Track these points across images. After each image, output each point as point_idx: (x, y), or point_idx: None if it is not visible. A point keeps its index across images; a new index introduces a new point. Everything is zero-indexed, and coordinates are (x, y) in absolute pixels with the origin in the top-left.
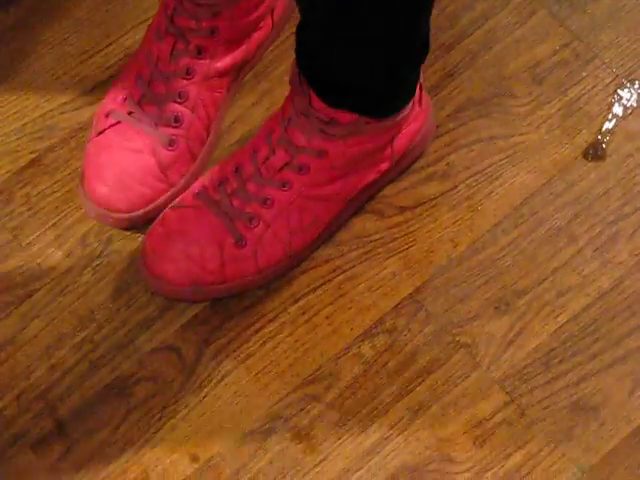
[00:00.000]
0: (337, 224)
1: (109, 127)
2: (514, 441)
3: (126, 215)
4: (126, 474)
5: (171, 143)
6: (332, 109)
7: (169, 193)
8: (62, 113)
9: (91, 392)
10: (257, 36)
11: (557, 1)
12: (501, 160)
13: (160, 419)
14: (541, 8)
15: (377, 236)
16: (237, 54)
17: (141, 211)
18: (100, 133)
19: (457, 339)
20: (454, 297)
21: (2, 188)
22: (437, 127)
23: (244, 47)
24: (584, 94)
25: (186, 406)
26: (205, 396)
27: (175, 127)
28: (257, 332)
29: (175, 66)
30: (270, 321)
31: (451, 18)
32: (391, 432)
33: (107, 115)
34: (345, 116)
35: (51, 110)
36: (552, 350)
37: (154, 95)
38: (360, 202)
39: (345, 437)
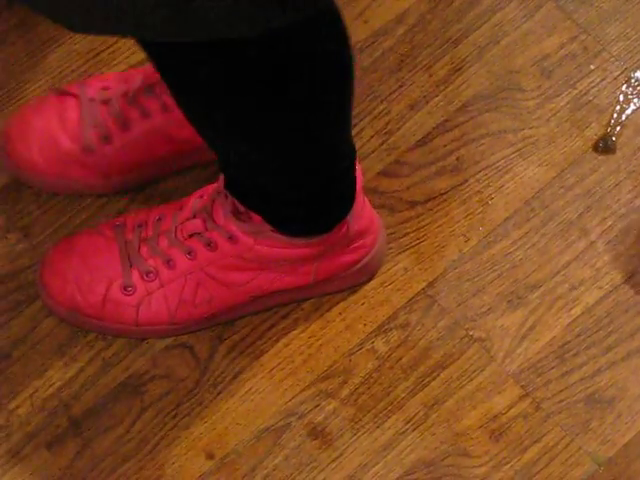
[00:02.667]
0: (235, 315)
1: (67, 94)
2: (530, 435)
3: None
4: (141, 472)
5: (88, 149)
6: (241, 203)
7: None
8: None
9: (105, 390)
10: None
11: None
12: (511, 154)
13: (175, 416)
14: (548, 1)
15: (389, 231)
16: None
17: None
18: (61, 92)
19: (471, 333)
20: (467, 291)
21: (13, 187)
22: (446, 121)
23: None
24: (593, 87)
25: (200, 403)
26: (219, 393)
27: (101, 142)
28: (270, 328)
29: (144, 100)
30: (283, 317)
31: (458, 12)
32: (406, 427)
33: (81, 85)
34: (254, 214)
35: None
36: (566, 343)
37: (116, 106)
38: (268, 304)
39: (360, 433)
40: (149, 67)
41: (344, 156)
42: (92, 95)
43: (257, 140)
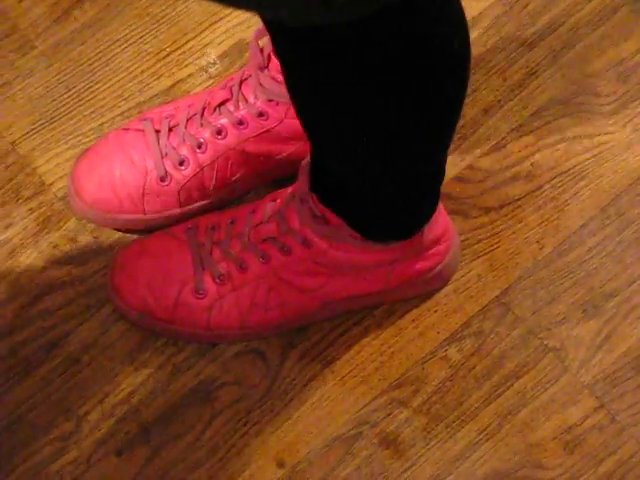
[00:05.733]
0: (307, 320)
1: (133, 129)
2: (605, 447)
3: (87, 210)
4: None
5: (163, 178)
6: (323, 205)
7: (132, 217)
8: (139, 112)
9: (175, 396)
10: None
11: None
12: (586, 160)
13: (245, 424)
14: (623, 5)
15: (462, 237)
16: (274, 150)
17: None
18: (125, 129)
19: (545, 343)
20: (541, 300)
21: None
22: (520, 126)
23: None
24: None
25: (272, 410)
26: (291, 400)
27: (176, 169)
28: (342, 335)
29: (215, 119)
30: (355, 324)
31: (533, 15)
32: (480, 437)
33: (142, 119)
34: (333, 217)
35: (129, 109)
36: None
37: (184, 132)
38: (340, 310)
39: (433, 442)
40: (214, 87)
41: (439, 167)
42: (157, 127)
43: (373, 140)
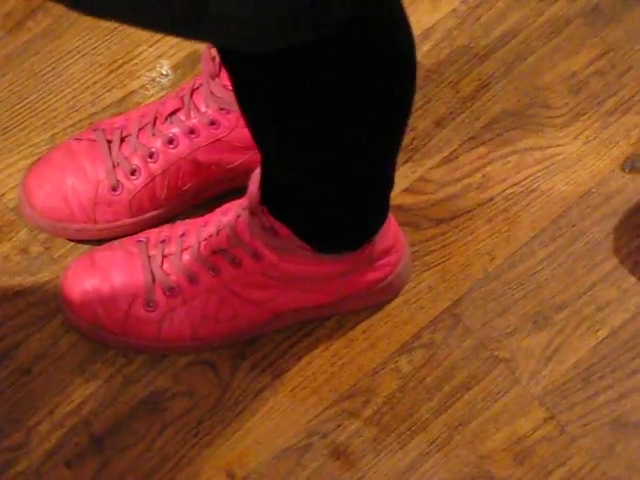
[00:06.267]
0: (258, 332)
1: (85, 140)
2: (555, 458)
3: (38, 218)
4: None
5: (115, 187)
6: (273, 217)
7: (84, 226)
8: (91, 124)
9: (126, 407)
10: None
11: (592, 11)
12: (538, 172)
13: (196, 435)
14: (576, 18)
15: (413, 249)
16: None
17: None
18: (77, 139)
19: (496, 354)
20: (492, 311)
21: None
22: (472, 138)
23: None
24: (621, 105)
25: (222, 421)
26: (241, 411)
27: (128, 178)
28: (292, 346)
29: (166, 128)
30: (306, 335)
31: (485, 28)
32: (430, 448)
33: (94, 129)
34: (282, 229)
35: (81, 120)
36: (592, 365)
37: (136, 142)
38: (291, 321)
39: (383, 454)
40: (166, 97)
41: (392, 173)
42: (109, 137)
43: (319, 151)
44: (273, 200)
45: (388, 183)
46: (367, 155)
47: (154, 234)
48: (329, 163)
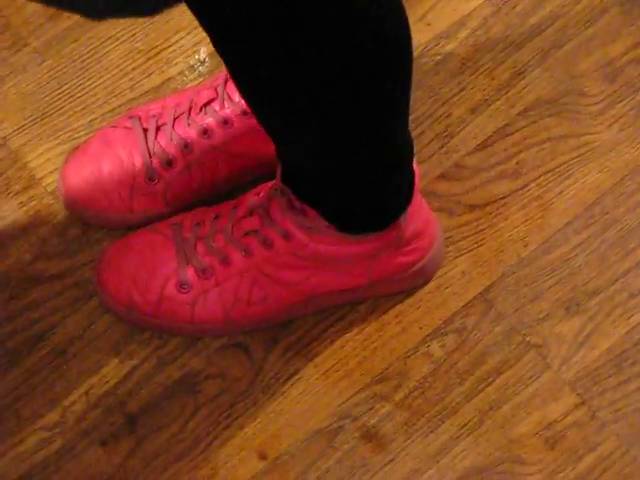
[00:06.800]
0: (290, 315)
1: (121, 127)
2: (585, 443)
3: (75, 208)
4: (194, 471)
5: (151, 178)
6: (297, 198)
7: (120, 215)
8: (129, 109)
9: (160, 388)
10: None
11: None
12: (572, 159)
13: (228, 416)
14: (613, 6)
15: (446, 234)
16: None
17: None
18: (113, 127)
19: (527, 339)
20: (524, 297)
21: None
22: (507, 125)
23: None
24: None
25: (254, 403)
26: (273, 394)
27: (164, 168)
28: (325, 330)
29: (201, 119)
30: (339, 319)
31: (521, 16)
32: (461, 432)
33: (130, 117)
34: (310, 209)
35: (119, 106)
36: (624, 352)
37: (172, 132)
38: (323, 305)
39: (414, 437)
40: (200, 86)
41: (400, 148)
42: (145, 125)
43: (317, 126)
44: (293, 181)
45: (400, 160)
46: (365, 129)
47: (188, 217)
48: (331, 137)
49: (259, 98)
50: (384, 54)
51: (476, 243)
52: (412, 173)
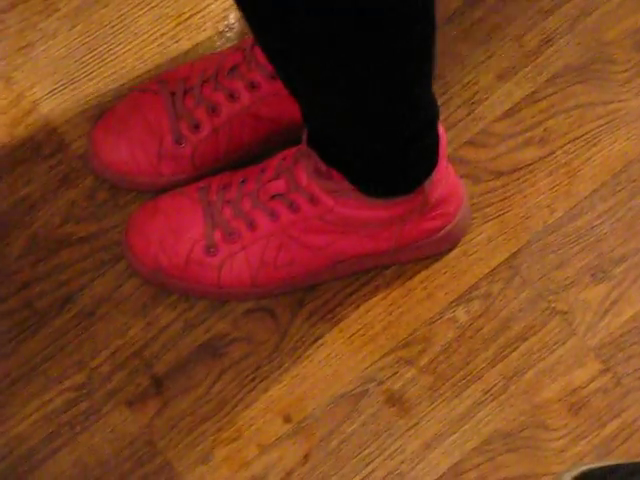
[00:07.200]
0: (317, 279)
1: (149, 91)
2: (609, 410)
3: (104, 171)
4: (219, 433)
5: (179, 141)
6: (322, 161)
7: (148, 179)
8: (158, 74)
9: (186, 351)
10: None
11: None
12: (600, 126)
13: (254, 379)
14: None
15: (473, 201)
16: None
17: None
18: (142, 91)
19: (553, 306)
20: (550, 264)
21: None
22: (534, 92)
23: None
24: None
25: (280, 367)
26: (299, 357)
27: (192, 132)
28: (351, 295)
29: (228, 82)
30: (364, 284)
31: None
32: (485, 397)
33: (158, 81)
34: (336, 173)
35: (148, 71)
36: None
37: (200, 95)
38: (349, 270)
39: (438, 401)
40: (228, 50)
41: (424, 110)
42: (173, 89)
43: (344, 91)
44: (319, 144)
45: (425, 119)
46: (393, 90)
47: (215, 180)
48: (356, 101)
49: (287, 67)
50: (414, 26)
51: (502, 210)
52: (437, 137)
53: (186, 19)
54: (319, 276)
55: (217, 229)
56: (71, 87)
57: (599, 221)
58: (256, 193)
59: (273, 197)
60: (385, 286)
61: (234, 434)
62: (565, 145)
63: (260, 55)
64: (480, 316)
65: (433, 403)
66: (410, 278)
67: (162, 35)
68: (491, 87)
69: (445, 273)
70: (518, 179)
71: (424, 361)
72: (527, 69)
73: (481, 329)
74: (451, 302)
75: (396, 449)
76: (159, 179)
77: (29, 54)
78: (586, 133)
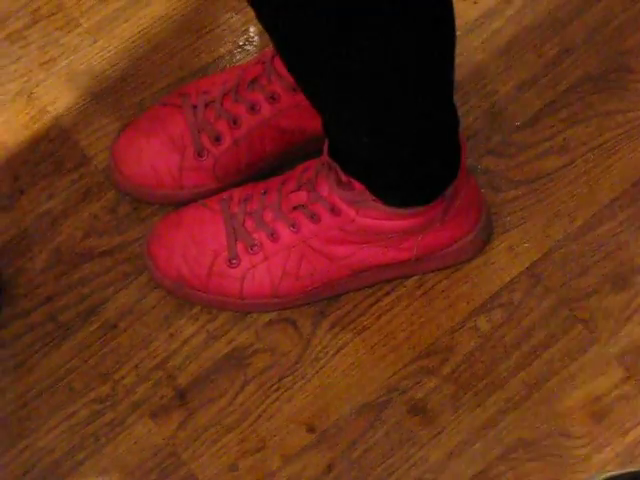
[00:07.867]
0: (338, 290)
1: (170, 105)
2: (633, 417)
3: (126, 185)
4: (243, 444)
5: (200, 153)
6: (344, 172)
7: (170, 192)
8: (180, 88)
9: (209, 362)
10: None
11: None
12: (619, 135)
13: (277, 390)
14: None
15: (493, 210)
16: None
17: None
18: (163, 104)
19: (574, 314)
20: (571, 272)
21: None
22: (553, 102)
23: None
24: None
25: (303, 377)
26: (321, 368)
27: (213, 144)
28: (373, 305)
29: (249, 94)
30: (386, 294)
31: None
32: (508, 406)
33: (180, 95)
34: (357, 183)
35: (168, 85)
36: None
37: (220, 108)
38: (370, 280)
39: (461, 410)
40: (248, 63)
41: (445, 120)
42: (194, 102)
43: (364, 101)
44: (340, 155)
45: (445, 129)
46: (413, 100)
47: (237, 192)
48: (377, 111)
49: (306, 76)
50: (434, 35)
51: (523, 219)
52: (458, 147)
53: (206, 33)
54: (341, 286)
55: (239, 241)
56: (93, 102)
57: (620, 229)
58: (278, 204)
59: (295, 208)
60: (407, 296)
61: (258, 444)
62: (585, 154)
63: (280, 67)
64: (502, 325)
65: (456, 412)
66: (431, 288)
67: (183, 49)
68: (510, 97)
69: (466, 282)
70: (538, 189)
71: (446, 370)
72: (546, 79)
73: (503, 338)
74: (472, 311)
75: (419, 458)
76: (181, 192)
77: (51, 69)
78: (605, 142)
